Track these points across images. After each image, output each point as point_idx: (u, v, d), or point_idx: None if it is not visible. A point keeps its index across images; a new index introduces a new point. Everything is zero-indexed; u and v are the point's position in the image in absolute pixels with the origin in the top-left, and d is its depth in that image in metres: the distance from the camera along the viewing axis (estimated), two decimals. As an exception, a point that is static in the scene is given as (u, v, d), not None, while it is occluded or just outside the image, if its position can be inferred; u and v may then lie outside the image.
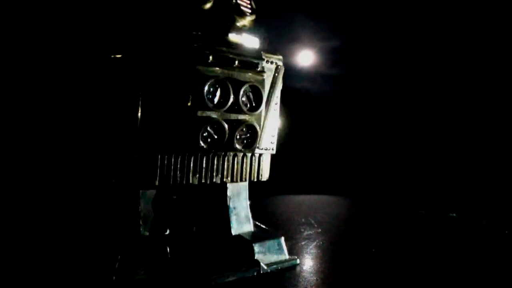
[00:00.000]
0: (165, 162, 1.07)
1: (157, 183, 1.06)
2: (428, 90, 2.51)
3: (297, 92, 2.35)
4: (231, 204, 1.32)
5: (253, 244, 1.25)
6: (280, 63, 1.28)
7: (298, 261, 1.33)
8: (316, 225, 1.79)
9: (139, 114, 1.03)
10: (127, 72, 1.05)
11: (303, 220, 1.86)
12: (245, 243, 1.26)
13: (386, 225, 1.87)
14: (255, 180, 1.31)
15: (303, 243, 1.54)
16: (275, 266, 1.26)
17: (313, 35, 2.39)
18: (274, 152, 1.35)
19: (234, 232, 1.30)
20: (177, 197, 1.27)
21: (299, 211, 2.04)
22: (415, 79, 2.53)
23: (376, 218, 2.02)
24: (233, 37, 1.17)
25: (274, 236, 1.33)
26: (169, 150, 1.07)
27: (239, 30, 1.20)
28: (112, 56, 1.07)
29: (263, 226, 1.42)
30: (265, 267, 1.23)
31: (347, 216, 2.03)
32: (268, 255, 1.28)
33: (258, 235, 1.32)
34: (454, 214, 2.01)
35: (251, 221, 1.36)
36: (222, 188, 1.29)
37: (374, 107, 2.59)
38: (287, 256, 1.33)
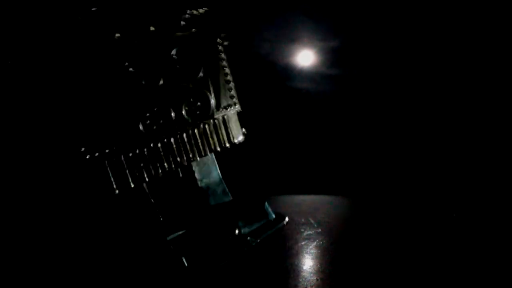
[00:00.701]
0: (114, 163, 0.91)
1: (115, 187, 0.92)
2: (428, 90, 2.51)
3: (297, 92, 2.35)
4: (203, 185, 1.20)
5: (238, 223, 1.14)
6: (203, 10, 1.11)
7: (287, 219, 1.28)
8: (316, 225, 1.79)
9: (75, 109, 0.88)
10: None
11: (303, 220, 1.86)
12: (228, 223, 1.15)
13: (386, 225, 1.87)
14: (228, 145, 1.17)
15: (303, 243, 1.54)
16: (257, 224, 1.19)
17: (312, 35, 2.38)
18: (238, 108, 1.19)
19: (212, 202, 1.20)
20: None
21: (299, 211, 2.04)
22: (415, 79, 2.53)
23: (376, 218, 2.02)
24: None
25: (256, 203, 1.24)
26: (114, 149, 0.92)
27: None
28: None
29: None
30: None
31: (347, 216, 2.03)
32: (251, 223, 1.21)
33: (239, 203, 1.22)
34: (454, 214, 2.01)
35: (228, 193, 1.25)
36: (189, 172, 1.16)
37: (374, 107, 2.58)
38: (271, 217, 1.28)
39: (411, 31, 2.44)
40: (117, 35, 0.89)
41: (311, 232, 1.66)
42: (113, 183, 0.90)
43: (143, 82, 0.92)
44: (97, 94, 0.89)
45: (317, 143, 2.48)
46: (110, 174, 0.90)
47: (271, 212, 1.24)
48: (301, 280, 1.19)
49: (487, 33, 2.31)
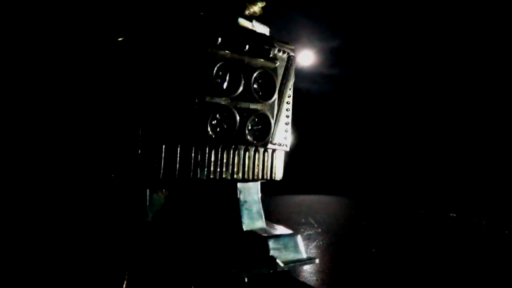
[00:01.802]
0: (170, 153, 0.97)
1: (161, 176, 0.96)
2: (428, 90, 2.51)
3: (297, 92, 2.35)
4: (241, 197, 1.21)
5: (268, 240, 1.13)
6: (293, 54, 1.19)
7: (317, 261, 1.21)
8: (316, 225, 1.79)
9: (142, 100, 0.94)
10: (130, 55, 0.97)
11: (303, 220, 1.86)
12: (258, 239, 1.15)
13: (386, 225, 1.87)
14: (268, 179, 1.20)
15: (303, 243, 1.54)
16: (292, 264, 1.15)
17: (313, 36, 2.39)
18: (287, 149, 1.24)
19: (245, 228, 1.20)
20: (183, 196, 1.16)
21: (299, 211, 2.03)
22: (415, 79, 2.53)
23: (376, 218, 2.02)
24: (243, 22, 1.10)
25: (290, 233, 1.21)
26: (175, 140, 0.97)
27: (249, 17, 1.13)
28: (115, 40, 0.99)
29: (277, 225, 1.29)
30: (282, 264, 1.11)
31: (347, 216, 2.03)
32: (284, 253, 1.16)
33: (272, 231, 1.20)
34: (454, 214, 2.01)
35: (264, 217, 1.25)
36: (232, 182, 1.17)
37: (374, 108, 2.59)
38: (304, 256, 1.20)
39: (411, 31, 2.44)
40: (219, 40, 0.98)
41: (311, 232, 1.66)
42: (161, 170, 0.97)
43: (223, 89, 1.00)
44: (183, 89, 0.98)
45: (317, 143, 2.48)
46: (162, 163, 0.97)
47: (303, 251, 1.23)
48: (301, 280, 1.19)
49: (487, 33, 2.31)
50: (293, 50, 1.20)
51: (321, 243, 1.58)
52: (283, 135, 1.20)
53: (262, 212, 1.25)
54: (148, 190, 1.02)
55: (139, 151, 0.94)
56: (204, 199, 1.23)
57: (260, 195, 1.25)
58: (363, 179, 2.56)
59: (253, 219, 1.21)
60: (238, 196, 1.19)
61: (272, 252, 1.13)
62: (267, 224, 1.26)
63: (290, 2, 2.35)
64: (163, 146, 0.96)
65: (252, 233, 1.17)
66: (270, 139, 1.13)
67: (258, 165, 1.15)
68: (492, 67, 2.35)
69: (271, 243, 1.13)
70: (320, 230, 1.76)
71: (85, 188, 1.26)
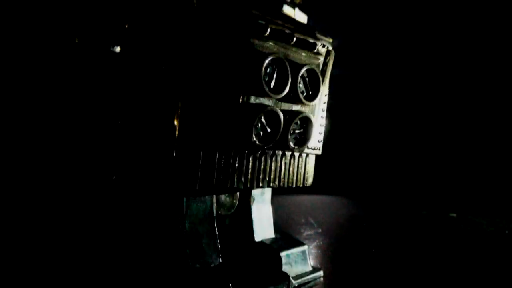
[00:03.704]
0: (209, 160, 0.84)
1: (197, 186, 0.83)
2: (428, 90, 2.51)
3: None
4: (254, 207, 1.14)
5: (280, 254, 1.08)
6: (331, 47, 1.05)
7: (322, 273, 1.19)
8: (316, 225, 1.78)
9: (179, 100, 0.79)
10: (165, 50, 0.81)
11: (303, 220, 1.85)
12: (271, 252, 1.10)
13: (386, 225, 1.86)
14: (300, 185, 1.09)
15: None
16: (300, 279, 1.11)
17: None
18: (320, 152, 1.13)
19: (256, 238, 1.14)
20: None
21: (299, 211, 2.03)
22: (415, 78, 2.53)
23: (376, 218, 2.01)
24: (287, 10, 0.96)
25: (299, 243, 1.17)
26: (214, 146, 0.83)
27: (292, 3, 0.98)
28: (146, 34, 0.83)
29: (320, 230, 1.27)
30: (293, 281, 1.06)
31: (347, 216, 2.02)
32: (294, 266, 1.13)
33: (282, 243, 1.15)
34: (454, 214, 2.01)
35: (272, 226, 1.20)
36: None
37: (374, 107, 2.58)
38: (310, 267, 1.17)
39: (410, 31, 2.44)
40: (268, 31, 0.83)
41: (311, 232, 1.65)
42: (199, 179, 0.83)
43: (270, 88, 0.86)
44: (225, 88, 0.84)
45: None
46: (200, 172, 0.84)
47: (310, 263, 1.16)
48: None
49: (487, 33, 2.31)
50: (331, 44, 1.05)
51: (321, 243, 1.57)
52: (317, 138, 1.09)
53: (272, 220, 1.20)
54: (185, 199, 0.91)
55: (174, 157, 0.80)
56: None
57: (270, 200, 1.20)
58: (364, 179, 2.56)
59: (263, 228, 1.16)
60: (252, 204, 1.13)
61: (284, 267, 1.09)
62: (275, 232, 1.22)
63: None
64: (201, 153, 0.82)
65: (265, 245, 1.12)
66: (308, 144, 1.01)
67: (293, 172, 1.04)
68: (492, 67, 2.35)
69: (283, 258, 1.09)
70: (320, 230, 1.75)
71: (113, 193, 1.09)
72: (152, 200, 0.93)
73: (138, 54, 0.86)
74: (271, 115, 0.87)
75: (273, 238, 1.18)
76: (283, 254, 1.09)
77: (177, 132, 0.79)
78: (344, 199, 2.43)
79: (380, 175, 2.58)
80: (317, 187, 2.60)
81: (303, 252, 1.16)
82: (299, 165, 1.06)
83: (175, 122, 0.80)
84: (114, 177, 0.88)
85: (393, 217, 2.05)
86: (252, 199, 1.13)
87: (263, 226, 1.16)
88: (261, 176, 0.94)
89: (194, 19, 0.79)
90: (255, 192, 1.13)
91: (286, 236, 1.23)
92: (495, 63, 2.35)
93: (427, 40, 2.45)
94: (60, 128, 1.08)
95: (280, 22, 0.87)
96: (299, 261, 1.14)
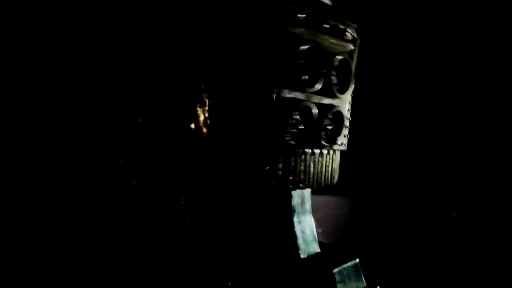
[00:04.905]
0: (242, 162, 0.77)
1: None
2: (428, 89, 2.51)
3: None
4: (295, 218, 1.02)
5: (334, 273, 0.98)
6: (355, 34, 0.94)
7: None
8: (316, 225, 1.78)
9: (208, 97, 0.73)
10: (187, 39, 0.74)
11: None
12: (322, 270, 0.99)
13: (386, 225, 1.87)
14: (328, 184, 1.01)
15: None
16: None
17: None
18: (345, 148, 1.05)
19: (302, 254, 1.02)
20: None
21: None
22: (414, 79, 2.53)
23: (377, 218, 2.02)
24: None
25: (349, 257, 1.06)
26: (245, 145, 0.77)
27: None
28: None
29: (320, 230, 1.20)
30: None
31: (347, 216, 2.02)
32: (348, 283, 1.02)
33: (331, 257, 1.05)
34: (454, 214, 2.02)
35: (317, 239, 1.09)
36: (282, 196, 1.00)
37: (374, 107, 2.57)
38: (364, 283, 1.06)
39: (410, 31, 2.43)
40: (304, 16, 0.73)
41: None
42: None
43: (303, 80, 0.78)
44: (254, 82, 0.75)
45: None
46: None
47: (363, 278, 1.05)
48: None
49: (486, 33, 2.32)
50: (355, 29, 0.95)
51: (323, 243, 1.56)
52: (344, 132, 1.00)
53: (315, 232, 1.09)
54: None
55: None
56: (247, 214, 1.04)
57: (311, 209, 1.09)
58: (363, 179, 2.55)
59: (308, 243, 1.05)
60: (293, 217, 1.02)
61: (338, 286, 0.98)
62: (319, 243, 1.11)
63: None
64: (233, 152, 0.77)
65: (313, 262, 1.01)
66: (337, 140, 0.93)
67: (321, 170, 0.95)
68: (492, 67, 2.37)
69: (337, 276, 0.98)
70: (320, 230, 1.74)
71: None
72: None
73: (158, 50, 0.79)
74: (305, 110, 0.79)
75: (319, 252, 1.07)
76: (336, 273, 0.98)
77: (205, 130, 0.74)
78: (344, 199, 2.42)
79: (379, 175, 2.58)
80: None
81: (356, 266, 1.05)
82: (327, 163, 0.97)
83: (202, 120, 0.73)
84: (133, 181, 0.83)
85: (392, 217, 2.05)
86: (293, 211, 1.01)
87: (308, 240, 1.05)
88: (290, 177, 0.85)
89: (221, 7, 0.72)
90: (295, 203, 1.02)
91: (330, 248, 1.12)
92: (495, 63, 2.36)
93: (426, 40, 2.45)
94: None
95: (313, 5, 0.77)
96: (352, 277, 1.03)
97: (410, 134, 2.55)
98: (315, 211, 1.99)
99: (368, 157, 2.55)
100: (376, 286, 1.07)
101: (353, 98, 0.97)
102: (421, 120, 2.53)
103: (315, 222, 1.86)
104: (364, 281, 1.06)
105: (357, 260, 1.05)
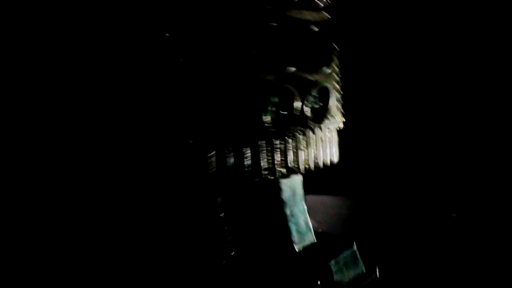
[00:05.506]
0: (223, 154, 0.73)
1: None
2: (428, 89, 2.51)
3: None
4: (287, 210, 0.99)
5: (330, 265, 0.95)
6: (328, 1, 0.90)
7: (377, 273, 1.06)
8: (316, 225, 1.79)
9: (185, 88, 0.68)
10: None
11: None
12: (318, 264, 0.96)
13: (386, 225, 1.86)
14: (328, 164, 0.95)
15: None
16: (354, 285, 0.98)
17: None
18: (341, 125, 1.00)
19: (297, 247, 0.99)
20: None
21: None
22: (414, 79, 2.53)
23: (377, 218, 2.01)
24: None
25: (345, 244, 1.03)
26: (225, 136, 0.73)
27: None
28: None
29: (320, 230, 1.11)
30: None
31: (347, 216, 2.02)
32: (346, 272, 0.99)
33: (327, 247, 1.02)
34: (454, 214, 2.01)
35: (311, 228, 1.05)
36: (271, 185, 0.94)
37: (374, 107, 2.58)
38: (363, 269, 1.03)
39: (410, 31, 2.44)
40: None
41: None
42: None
43: (275, 59, 0.74)
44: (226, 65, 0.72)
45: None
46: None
47: (361, 263, 1.02)
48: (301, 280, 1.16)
49: (486, 34, 2.31)
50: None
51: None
52: (336, 105, 0.95)
53: (309, 220, 1.05)
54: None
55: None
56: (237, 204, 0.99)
57: (305, 202, 1.04)
58: (363, 179, 2.56)
59: (302, 234, 1.01)
60: (284, 209, 0.98)
61: (335, 277, 0.96)
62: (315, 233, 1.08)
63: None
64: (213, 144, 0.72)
65: (308, 256, 0.99)
66: (328, 116, 0.90)
67: (314, 150, 0.90)
68: (491, 68, 2.35)
69: (333, 267, 0.95)
70: (320, 230, 1.76)
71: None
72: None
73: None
74: (283, 91, 0.75)
75: (314, 243, 1.04)
76: (332, 263, 0.95)
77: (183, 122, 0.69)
78: (344, 199, 2.43)
79: (379, 175, 2.58)
80: (317, 187, 2.59)
81: (353, 253, 1.02)
82: (321, 141, 0.92)
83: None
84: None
85: (392, 217, 2.04)
86: (283, 203, 0.98)
87: (302, 232, 1.01)
88: (277, 162, 0.81)
89: None
90: (286, 196, 0.98)
91: (327, 236, 1.08)
92: (495, 63, 2.35)
93: (426, 40, 2.45)
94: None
95: None
96: (350, 265, 1.00)
97: (410, 134, 2.54)
98: (315, 211, 2.01)
99: (368, 157, 2.55)
100: (375, 268, 1.06)
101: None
102: (421, 120, 2.52)
103: (315, 222, 1.88)
104: (363, 266, 1.03)
105: (354, 247, 1.03)
